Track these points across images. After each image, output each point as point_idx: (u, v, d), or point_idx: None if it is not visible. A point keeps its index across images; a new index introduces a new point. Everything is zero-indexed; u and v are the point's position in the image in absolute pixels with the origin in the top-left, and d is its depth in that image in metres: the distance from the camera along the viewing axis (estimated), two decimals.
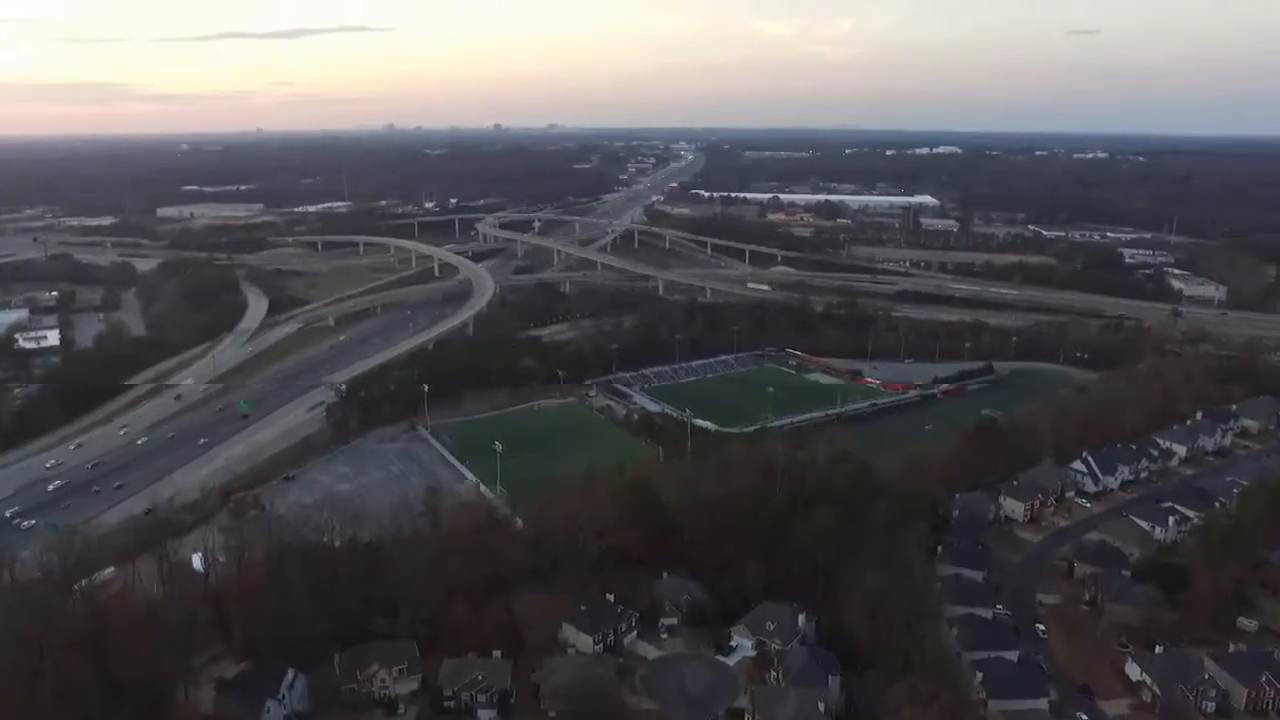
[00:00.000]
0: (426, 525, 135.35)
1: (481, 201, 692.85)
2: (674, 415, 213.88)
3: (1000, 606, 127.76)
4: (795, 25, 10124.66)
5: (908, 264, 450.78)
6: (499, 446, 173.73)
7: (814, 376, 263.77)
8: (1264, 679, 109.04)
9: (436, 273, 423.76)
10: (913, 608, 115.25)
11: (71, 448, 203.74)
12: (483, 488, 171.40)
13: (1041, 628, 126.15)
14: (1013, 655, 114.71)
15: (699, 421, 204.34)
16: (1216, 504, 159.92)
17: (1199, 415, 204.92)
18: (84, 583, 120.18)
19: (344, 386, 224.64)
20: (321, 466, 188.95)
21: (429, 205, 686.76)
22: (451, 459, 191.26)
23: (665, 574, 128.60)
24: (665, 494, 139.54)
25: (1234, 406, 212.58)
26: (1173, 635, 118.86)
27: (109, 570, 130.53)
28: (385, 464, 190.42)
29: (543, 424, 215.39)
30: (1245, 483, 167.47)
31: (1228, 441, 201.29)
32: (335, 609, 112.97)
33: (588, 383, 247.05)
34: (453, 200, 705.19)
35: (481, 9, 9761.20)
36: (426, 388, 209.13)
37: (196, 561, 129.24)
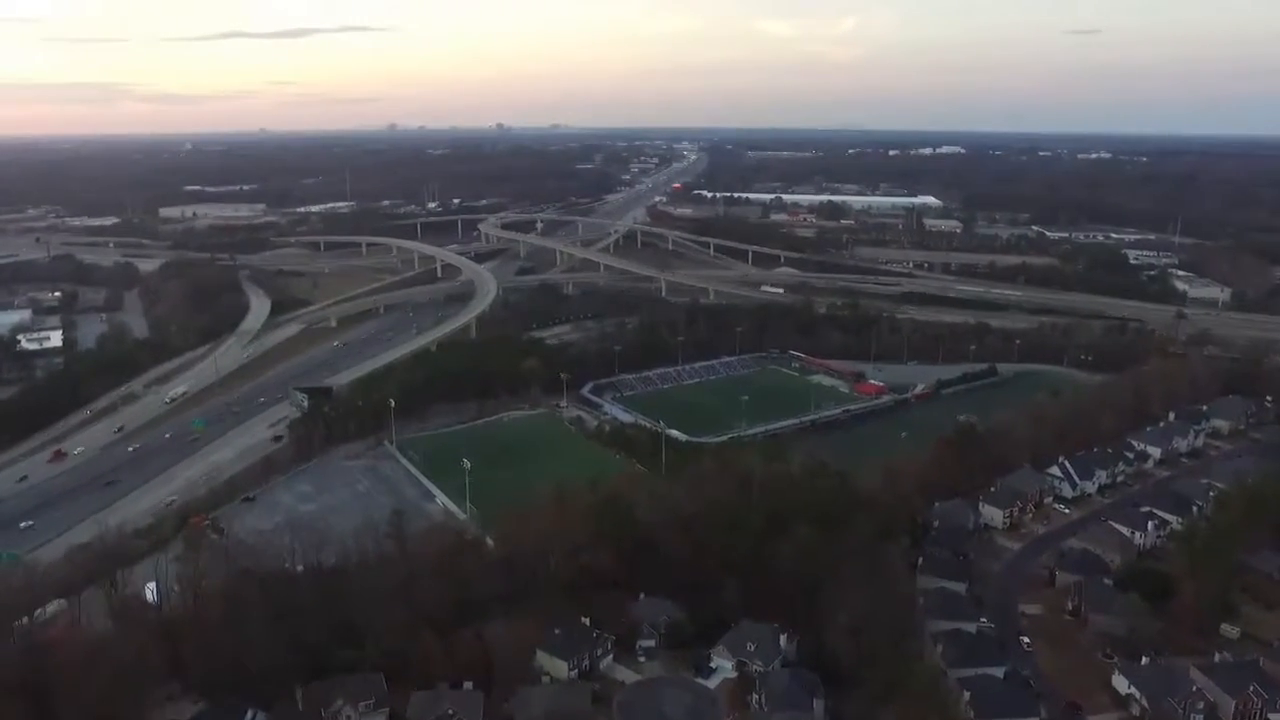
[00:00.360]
0: (393, 548, 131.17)
1: (484, 202, 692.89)
2: (647, 426, 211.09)
3: (984, 619, 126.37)
4: (798, 25, 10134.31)
5: (911, 265, 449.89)
6: (467, 464, 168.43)
7: (817, 378, 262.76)
8: (1251, 689, 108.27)
9: (439, 273, 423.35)
10: (896, 624, 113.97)
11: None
12: (452, 506, 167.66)
13: (1026, 640, 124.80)
14: (999, 671, 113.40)
15: (671, 431, 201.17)
16: (1194, 508, 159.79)
17: (1172, 416, 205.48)
18: (25, 620, 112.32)
19: (306, 401, 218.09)
20: (284, 486, 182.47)
21: (431, 205, 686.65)
22: (419, 476, 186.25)
23: (642, 594, 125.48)
24: (639, 510, 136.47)
25: (1205, 407, 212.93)
26: (1158, 645, 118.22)
27: (54, 604, 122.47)
28: (350, 482, 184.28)
29: (512, 437, 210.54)
30: (1221, 485, 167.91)
31: (1200, 442, 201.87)
32: (297, 639, 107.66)
33: (582, 393, 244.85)
34: (455, 200, 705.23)
35: (484, 9, 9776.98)
36: (393, 402, 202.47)
37: (149, 592, 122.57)
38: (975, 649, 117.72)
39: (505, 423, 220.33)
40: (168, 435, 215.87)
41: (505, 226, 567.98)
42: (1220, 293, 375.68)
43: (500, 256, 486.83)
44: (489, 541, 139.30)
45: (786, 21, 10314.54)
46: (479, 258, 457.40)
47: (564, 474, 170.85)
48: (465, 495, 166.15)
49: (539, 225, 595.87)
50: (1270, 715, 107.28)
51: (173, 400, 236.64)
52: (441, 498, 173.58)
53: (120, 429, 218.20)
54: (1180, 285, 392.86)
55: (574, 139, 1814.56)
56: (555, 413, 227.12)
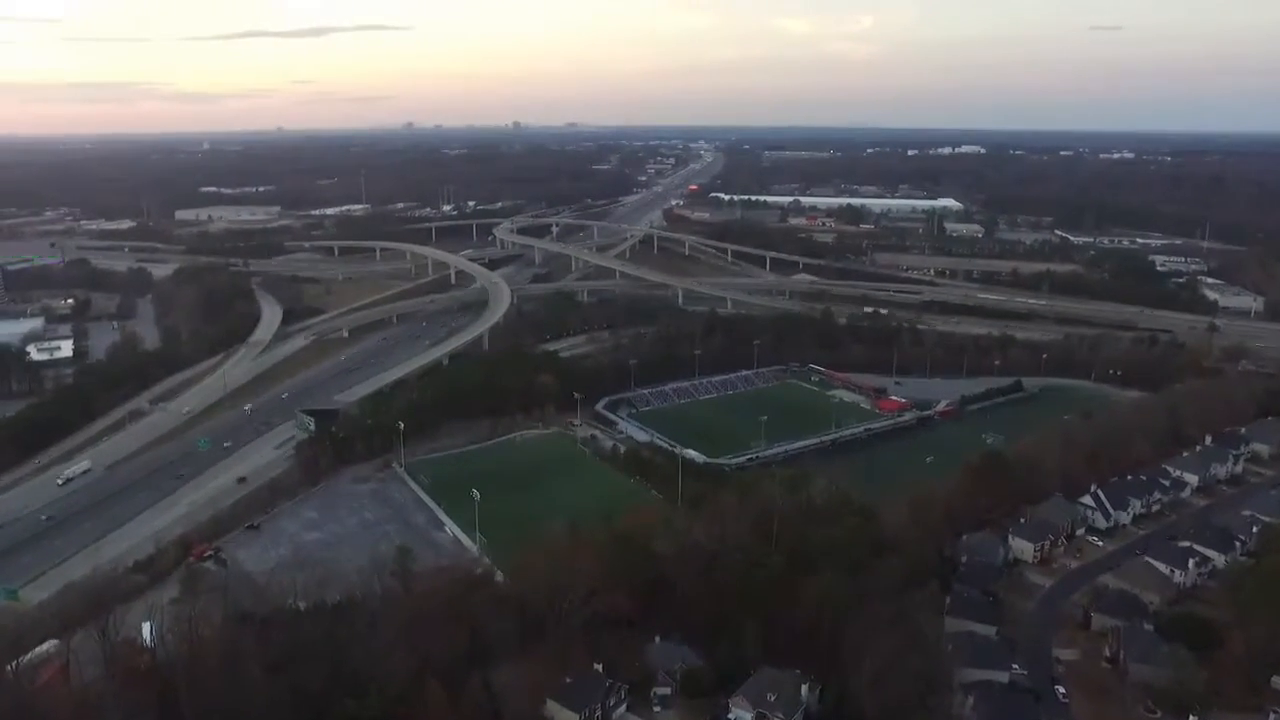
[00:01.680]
0: (398, 586, 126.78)
1: (499, 204, 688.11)
2: (663, 446, 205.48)
3: (1016, 666, 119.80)
4: (816, 22, 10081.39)
5: (932, 272, 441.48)
6: (477, 495, 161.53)
7: (837, 394, 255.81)
8: None
9: (453, 280, 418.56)
10: (924, 674, 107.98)
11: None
12: (461, 536, 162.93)
13: (1061, 690, 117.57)
14: None
15: (688, 452, 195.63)
16: (1237, 543, 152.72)
17: (1209, 440, 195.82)
18: (16, 664, 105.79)
19: (312, 424, 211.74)
20: (289, 512, 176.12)
21: (446, 208, 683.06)
22: (428, 501, 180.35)
23: (658, 638, 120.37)
24: (655, 544, 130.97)
25: (1243, 430, 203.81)
26: (1205, 700, 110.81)
27: (47, 644, 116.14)
28: (358, 509, 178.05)
29: (525, 459, 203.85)
30: (1266, 518, 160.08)
31: (1239, 468, 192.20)
32: (298, 688, 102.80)
33: (593, 410, 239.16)
34: (470, 203, 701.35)
35: (500, 7, 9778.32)
36: (402, 425, 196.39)
37: (146, 631, 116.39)
38: (1008, 702, 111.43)
39: (517, 443, 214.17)
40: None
41: (520, 231, 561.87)
42: (1253, 302, 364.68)
43: (515, 262, 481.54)
44: (499, 576, 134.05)
45: (804, 19, 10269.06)
46: (493, 264, 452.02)
47: (578, 501, 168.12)
48: (475, 525, 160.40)
49: (554, 230, 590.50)
50: None
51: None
52: (451, 526, 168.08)
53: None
54: (1211, 294, 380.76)
55: (590, 138, 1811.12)
56: (568, 432, 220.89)
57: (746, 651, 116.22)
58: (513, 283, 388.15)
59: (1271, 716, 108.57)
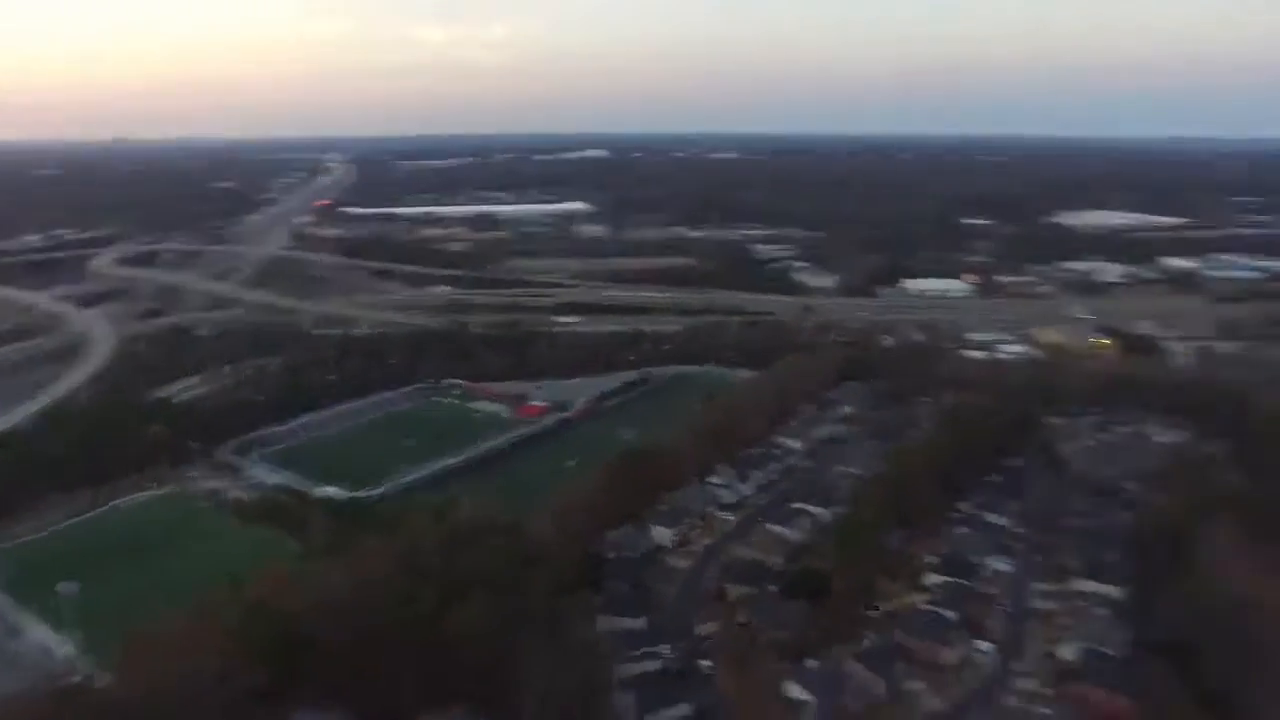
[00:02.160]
0: None
1: (102, 232, 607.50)
2: (297, 489, 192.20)
3: (668, 650, 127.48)
4: (451, 30, 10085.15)
5: (567, 275, 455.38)
6: (69, 586, 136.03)
7: (478, 406, 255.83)
8: (897, 669, 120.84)
9: (40, 325, 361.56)
10: (587, 680, 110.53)
11: None
12: (51, 641, 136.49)
13: (707, 664, 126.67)
14: (689, 706, 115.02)
15: (325, 490, 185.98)
16: (834, 497, 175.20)
17: (813, 408, 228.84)
18: None
19: None
20: None
21: (33, 239, 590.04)
22: (5, 603, 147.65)
23: (300, 710, 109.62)
24: (292, 601, 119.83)
25: (832, 394, 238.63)
26: (821, 644, 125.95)
27: None
28: None
29: (135, 528, 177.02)
30: (854, 470, 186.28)
31: (834, 430, 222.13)
32: None
33: (210, 457, 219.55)
34: (62, 232, 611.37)
35: (110, 6, 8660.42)
36: None
37: None
38: (663, 688, 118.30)
39: (124, 511, 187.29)
40: None
41: (124, 261, 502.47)
42: (830, 281, 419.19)
43: (120, 298, 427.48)
44: (102, 681, 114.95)
45: (440, 27, 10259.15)
46: (92, 301, 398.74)
47: (203, 568, 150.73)
48: (67, 623, 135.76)
49: (168, 256, 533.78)
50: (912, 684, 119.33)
51: None
52: (37, 631, 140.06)
53: None
54: (800, 276, 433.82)
55: (206, 154, 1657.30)
56: (187, 488, 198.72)
57: (404, 701, 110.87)
58: (117, 321, 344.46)
59: (865, 641, 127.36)
